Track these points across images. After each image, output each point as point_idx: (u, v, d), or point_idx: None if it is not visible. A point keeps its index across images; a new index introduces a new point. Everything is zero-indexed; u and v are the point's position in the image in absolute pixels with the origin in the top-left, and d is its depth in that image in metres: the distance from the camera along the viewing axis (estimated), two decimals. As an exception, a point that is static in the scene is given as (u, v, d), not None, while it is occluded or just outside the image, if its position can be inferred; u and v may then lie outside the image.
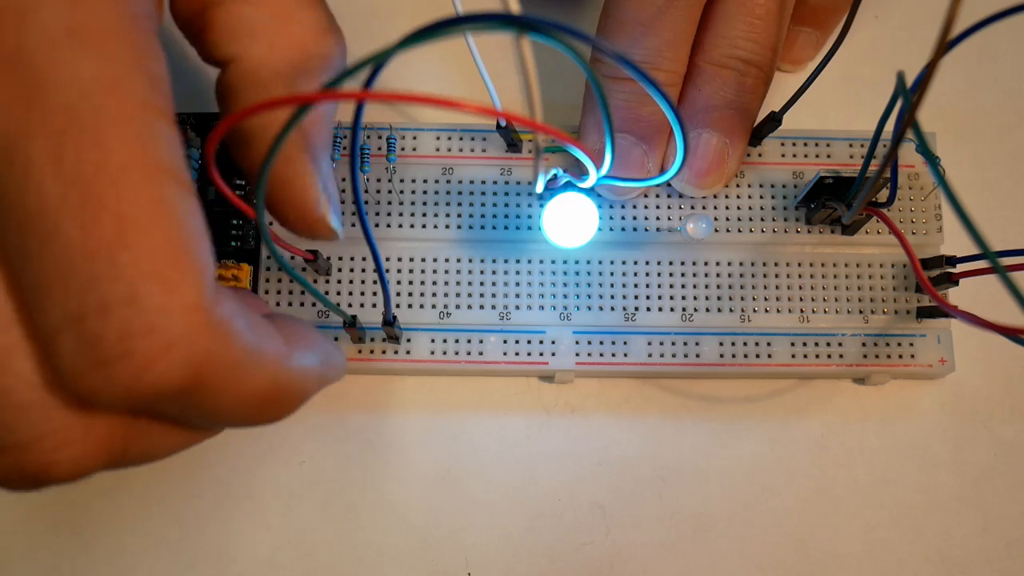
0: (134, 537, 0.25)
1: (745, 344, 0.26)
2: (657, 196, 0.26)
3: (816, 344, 0.26)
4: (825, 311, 0.26)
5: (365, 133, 0.26)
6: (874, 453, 0.26)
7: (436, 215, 0.26)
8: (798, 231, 0.26)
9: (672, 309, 0.26)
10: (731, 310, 0.26)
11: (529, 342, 0.25)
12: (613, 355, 0.25)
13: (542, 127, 0.16)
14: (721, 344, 0.26)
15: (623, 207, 0.26)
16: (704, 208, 0.26)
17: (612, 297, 0.26)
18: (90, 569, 0.25)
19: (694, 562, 0.25)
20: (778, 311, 0.26)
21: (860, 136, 0.27)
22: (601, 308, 0.26)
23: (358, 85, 0.16)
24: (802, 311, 0.26)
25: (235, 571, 0.25)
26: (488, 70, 0.24)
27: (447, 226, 0.26)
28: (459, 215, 0.26)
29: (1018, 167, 0.29)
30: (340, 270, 0.26)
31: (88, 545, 0.25)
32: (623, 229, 0.26)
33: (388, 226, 0.26)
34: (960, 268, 0.25)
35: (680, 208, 0.26)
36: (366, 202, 0.26)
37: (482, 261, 0.26)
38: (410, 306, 0.26)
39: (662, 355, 0.25)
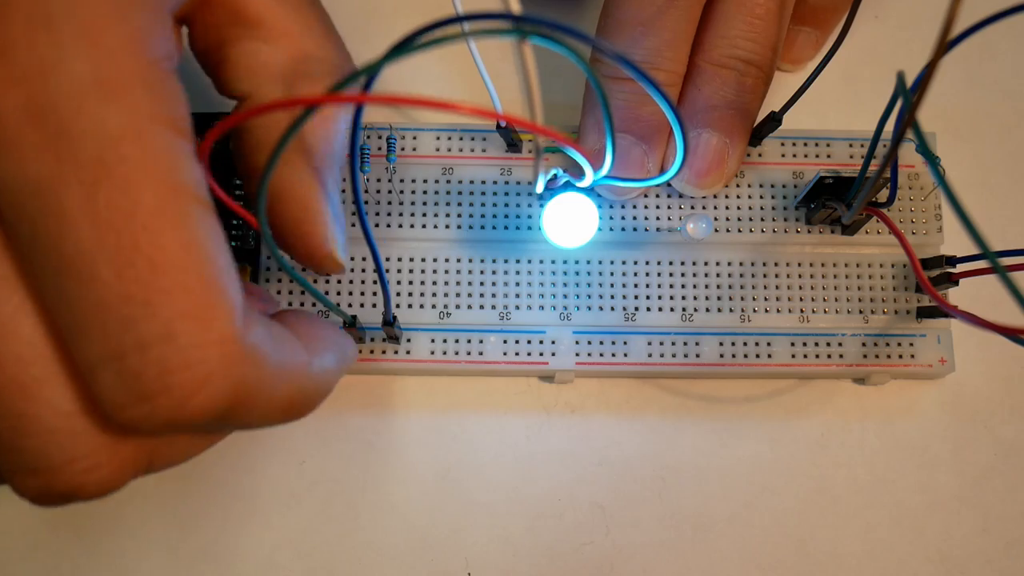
0: (134, 537, 0.25)
1: (745, 344, 0.26)
2: (657, 196, 0.26)
3: (816, 344, 0.26)
4: (825, 311, 0.26)
5: (365, 133, 0.26)
6: (874, 453, 0.26)
7: (436, 215, 0.26)
8: (798, 231, 0.26)
9: (672, 309, 0.26)
10: (731, 310, 0.26)
11: (529, 342, 0.25)
12: (613, 355, 0.25)
13: (539, 128, 0.16)
14: (721, 344, 0.26)
15: (623, 207, 0.26)
16: (704, 208, 0.26)
17: (612, 297, 0.26)
18: (90, 569, 0.25)
19: (694, 562, 0.25)
20: (778, 311, 0.26)
21: (860, 136, 0.27)
22: (601, 308, 0.26)
23: (358, 87, 0.16)
24: (802, 311, 0.26)
25: (235, 571, 0.25)
26: (488, 70, 0.24)
27: (447, 226, 0.26)
28: (459, 215, 0.26)
29: (1018, 167, 0.29)
30: (340, 270, 0.26)
31: (88, 545, 0.25)
32: (623, 229, 0.26)
33: (388, 226, 0.26)
34: (960, 268, 0.25)
35: (680, 208, 0.26)
36: (366, 202, 0.26)
37: (482, 261, 0.26)
38: (410, 306, 0.26)
39: (662, 355, 0.25)
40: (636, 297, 0.26)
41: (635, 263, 0.26)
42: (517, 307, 0.26)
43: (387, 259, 0.26)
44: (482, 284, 0.26)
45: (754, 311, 0.26)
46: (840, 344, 0.26)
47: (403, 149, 0.26)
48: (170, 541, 0.25)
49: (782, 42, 0.26)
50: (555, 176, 0.25)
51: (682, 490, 0.26)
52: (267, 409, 0.16)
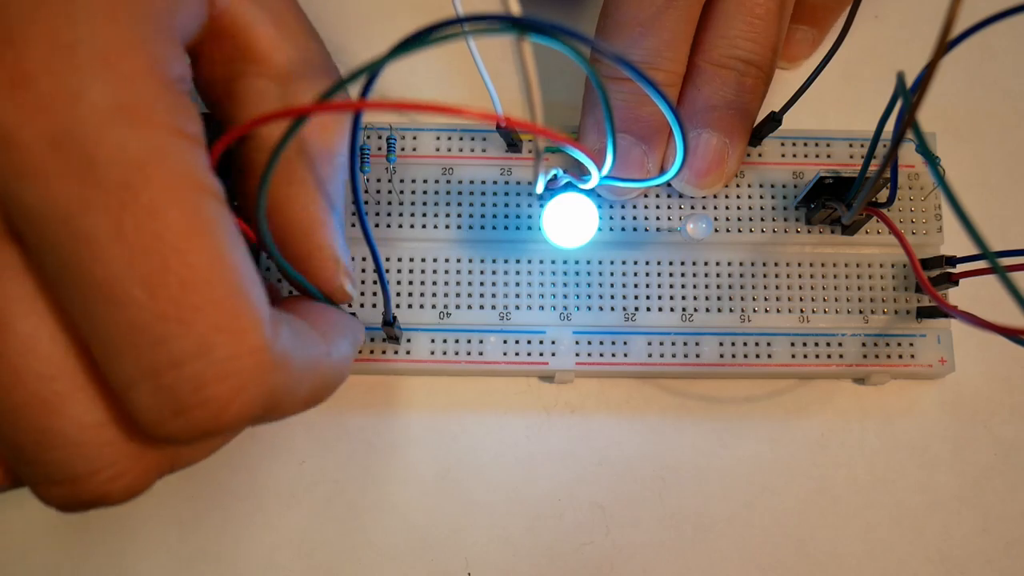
0: (134, 537, 0.25)
1: (745, 344, 0.26)
2: (657, 196, 0.26)
3: (816, 344, 0.26)
4: (825, 311, 0.26)
5: (365, 133, 0.26)
6: (874, 453, 0.26)
7: (436, 215, 0.26)
8: (798, 231, 0.26)
9: (672, 309, 0.26)
10: (731, 310, 0.26)
11: (529, 342, 0.25)
12: (613, 355, 0.25)
13: (542, 130, 0.16)
14: (721, 344, 0.26)
15: (623, 207, 0.26)
16: (704, 208, 0.26)
17: (612, 297, 0.26)
18: (91, 569, 0.25)
19: (694, 562, 0.25)
20: (778, 311, 0.26)
21: (860, 136, 0.27)
22: (601, 308, 0.26)
23: (357, 90, 0.16)
24: (802, 311, 0.26)
25: (235, 571, 0.25)
26: (488, 70, 0.24)
27: (447, 226, 0.26)
28: (459, 215, 0.26)
29: (1018, 167, 0.29)
30: (340, 270, 0.26)
31: (89, 545, 0.25)
32: (623, 229, 0.26)
33: (388, 226, 0.26)
34: (960, 268, 0.25)
35: (680, 208, 0.26)
36: (366, 202, 0.26)
37: (482, 261, 0.26)
38: (410, 306, 0.26)
39: (662, 355, 0.25)
40: (636, 297, 0.26)
41: (635, 263, 0.26)
42: (517, 307, 0.26)
43: (387, 259, 0.26)
44: (482, 284, 0.26)
45: (754, 311, 0.26)
46: (840, 344, 0.26)
47: (403, 149, 0.26)
48: (170, 541, 0.25)
49: (782, 42, 0.26)
50: (555, 176, 0.25)
51: (682, 490, 0.26)
52: (293, 405, 0.16)
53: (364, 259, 0.26)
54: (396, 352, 0.25)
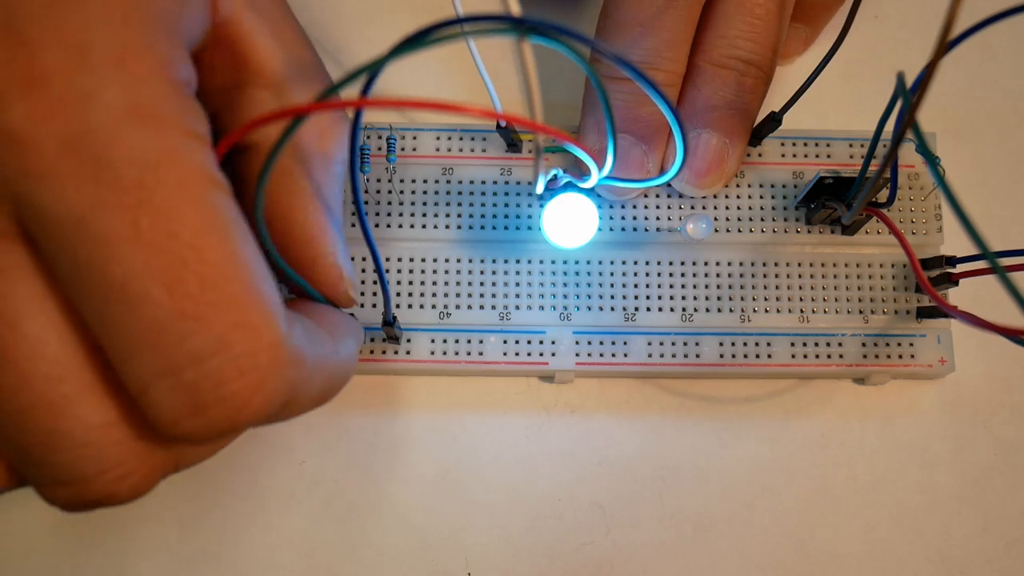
0: (135, 537, 0.25)
1: (745, 344, 0.26)
2: (657, 196, 0.26)
3: (816, 344, 0.26)
4: (825, 311, 0.26)
5: (365, 133, 0.26)
6: (874, 453, 0.26)
7: (436, 215, 0.26)
8: (798, 231, 0.26)
9: (672, 309, 0.26)
10: (731, 310, 0.26)
11: (529, 342, 0.25)
12: (613, 355, 0.25)
13: (543, 128, 0.16)
14: (721, 344, 0.26)
15: (623, 207, 0.26)
16: (704, 208, 0.26)
17: (612, 297, 0.26)
18: (91, 569, 0.25)
19: (694, 562, 0.25)
20: (778, 311, 0.26)
21: (860, 136, 0.27)
22: (601, 308, 0.26)
23: (357, 89, 0.16)
24: (802, 311, 0.26)
25: (235, 571, 0.25)
26: (488, 70, 0.24)
27: (447, 226, 0.26)
28: (459, 215, 0.26)
29: (1018, 167, 0.29)
30: (340, 270, 0.26)
31: (89, 545, 0.25)
32: (623, 229, 0.26)
33: (388, 226, 0.26)
34: (960, 268, 0.25)
35: (680, 208, 0.26)
36: (366, 202, 0.26)
37: (482, 261, 0.26)
38: (410, 306, 0.26)
39: (662, 355, 0.25)
40: (636, 297, 0.26)
41: (635, 263, 0.26)
42: (517, 307, 0.26)
43: (387, 259, 0.26)
44: (482, 284, 0.26)
45: (754, 311, 0.26)
46: (840, 344, 0.26)
47: (403, 149, 0.26)
48: (170, 541, 0.25)
49: (782, 42, 0.26)
50: (555, 176, 0.25)
51: (682, 490, 0.26)
52: (306, 402, 0.16)
53: (364, 259, 0.26)
54: (396, 352, 0.25)
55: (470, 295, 0.26)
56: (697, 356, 0.25)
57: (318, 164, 0.20)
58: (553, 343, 0.25)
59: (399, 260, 0.26)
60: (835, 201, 0.24)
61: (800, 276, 0.26)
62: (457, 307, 0.26)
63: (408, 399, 0.26)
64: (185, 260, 0.13)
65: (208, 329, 0.13)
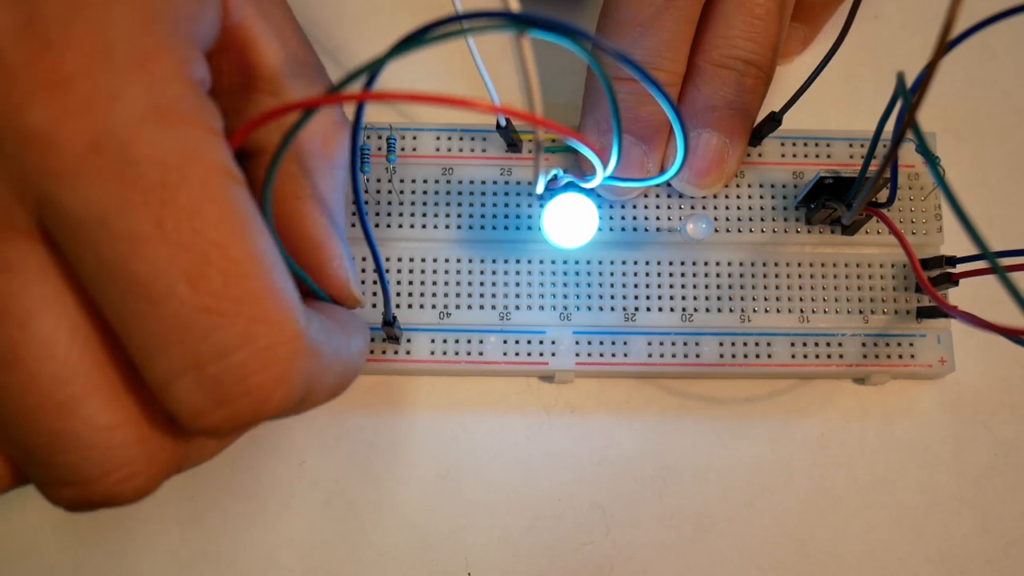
0: (135, 537, 0.25)
1: (745, 344, 0.26)
2: (657, 196, 0.26)
3: (816, 344, 0.26)
4: (825, 311, 0.26)
5: (365, 133, 0.26)
6: (874, 453, 0.26)
7: (436, 215, 0.26)
8: (798, 231, 0.26)
9: (672, 309, 0.26)
10: (731, 310, 0.26)
11: (529, 342, 0.25)
12: (613, 355, 0.25)
13: (545, 122, 0.16)
14: (721, 344, 0.26)
15: (623, 207, 0.26)
16: (704, 208, 0.26)
17: (612, 297, 0.26)
18: (91, 569, 0.25)
19: (694, 562, 0.25)
20: (778, 311, 0.26)
21: (860, 136, 0.27)
22: (601, 308, 0.26)
23: (359, 86, 0.16)
24: (802, 311, 0.26)
25: (235, 571, 0.25)
26: (488, 71, 0.24)
27: (447, 226, 0.26)
28: (459, 215, 0.26)
29: (1018, 167, 0.29)
30: (340, 270, 0.26)
31: (89, 546, 0.25)
32: (623, 229, 0.26)
33: (388, 226, 0.26)
34: (960, 268, 0.25)
35: (680, 208, 0.26)
36: (366, 202, 0.26)
37: (482, 261, 0.26)
38: (410, 306, 0.26)
39: (662, 355, 0.25)
40: (636, 297, 0.26)
41: (635, 263, 0.26)
42: (517, 307, 0.26)
43: (387, 259, 0.26)
44: (482, 284, 0.26)
45: (754, 311, 0.26)
46: (840, 344, 0.26)
47: (403, 149, 0.26)
48: (170, 541, 0.25)
49: (782, 42, 0.26)
50: (555, 176, 0.25)
51: (682, 490, 0.26)
52: (321, 395, 0.17)
53: (364, 259, 0.26)
54: (396, 352, 0.25)
55: (470, 295, 0.26)
56: (697, 356, 0.25)
57: (321, 170, 0.20)
58: (553, 343, 0.25)
59: (399, 260, 0.26)
60: (835, 201, 0.24)
61: (800, 276, 0.26)
62: (457, 307, 0.26)
63: (408, 399, 0.26)
64: (209, 257, 0.13)
65: (232, 324, 0.14)
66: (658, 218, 0.26)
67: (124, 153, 0.13)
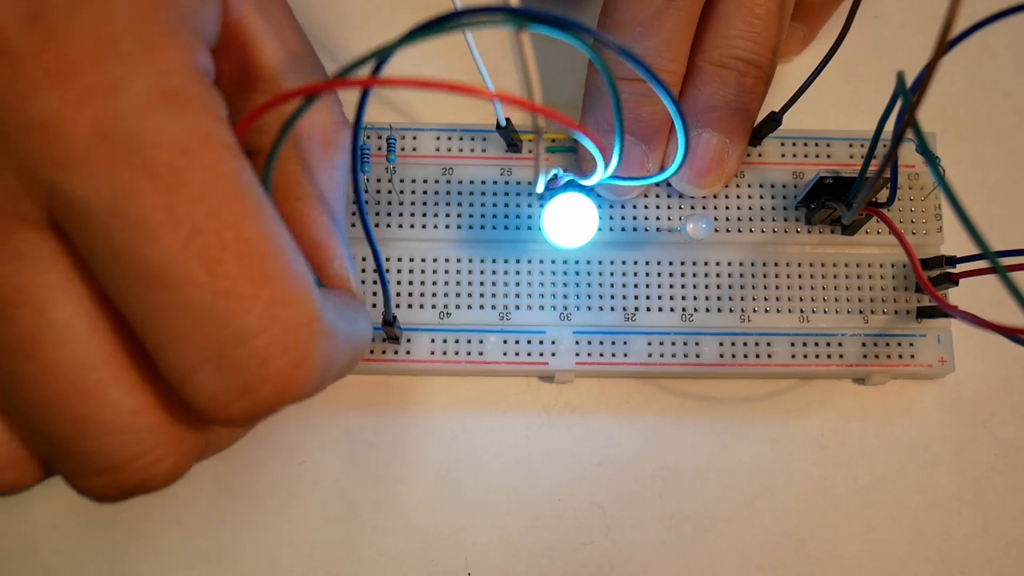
0: (135, 537, 0.25)
1: (745, 344, 0.26)
2: (657, 196, 0.26)
3: (816, 344, 0.26)
4: (825, 311, 0.26)
5: (365, 133, 0.26)
6: (874, 453, 0.26)
7: (436, 215, 0.26)
8: (798, 231, 0.26)
9: (672, 309, 0.26)
10: (731, 310, 0.26)
11: (529, 342, 0.25)
12: (613, 355, 0.25)
13: (548, 111, 0.16)
14: (721, 344, 0.26)
15: (623, 207, 0.26)
16: (704, 208, 0.26)
17: (612, 297, 0.26)
18: (91, 569, 0.25)
19: (694, 562, 0.25)
20: (778, 311, 0.26)
21: (860, 136, 0.27)
22: (601, 308, 0.26)
23: (363, 73, 0.16)
24: (802, 311, 0.26)
25: (235, 571, 0.25)
26: (488, 70, 0.24)
27: (447, 226, 0.26)
28: (459, 215, 0.26)
29: (1018, 167, 0.29)
30: (340, 270, 0.26)
31: (89, 546, 0.25)
32: (623, 229, 0.26)
33: (388, 226, 0.26)
34: (960, 268, 0.25)
35: (680, 208, 0.26)
36: (366, 202, 0.26)
37: (482, 261, 0.26)
38: (410, 306, 0.26)
39: (662, 355, 0.25)
40: (636, 297, 0.26)
41: (635, 263, 0.26)
42: (517, 307, 0.26)
43: (387, 259, 0.26)
44: (482, 284, 0.26)
45: (754, 311, 0.26)
46: (840, 344, 0.26)
47: (403, 149, 0.26)
48: (170, 541, 0.25)
49: (782, 42, 0.26)
50: (555, 176, 0.25)
51: (682, 490, 0.26)
52: (333, 376, 0.17)
53: (364, 259, 0.26)
54: (396, 352, 0.25)
55: (470, 295, 0.26)
56: (697, 356, 0.25)
57: (321, 170, 0.20)
58: (553, 343, 0.25)
59: (399, 260, 0.26)
60: (835, 201, 0.24)
61: (800, 276, 0.26)
62: (457, 307, 0.26)
63: (408, 399, 0.26)
64: (223, 239, 0.13)
65: (251, 308, 0.14)
66: (658, 218, 0.26)
67: (131, 140, 0.13)
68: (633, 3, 0.24)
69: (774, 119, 0.26)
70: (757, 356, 0.26)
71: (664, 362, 0.25)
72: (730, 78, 0.25)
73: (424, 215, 0.26)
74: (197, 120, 0.14)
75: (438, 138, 0.27)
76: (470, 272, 0.26)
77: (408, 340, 0.25)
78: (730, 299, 0.26)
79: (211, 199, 0.13)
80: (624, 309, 0.26)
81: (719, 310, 0.26)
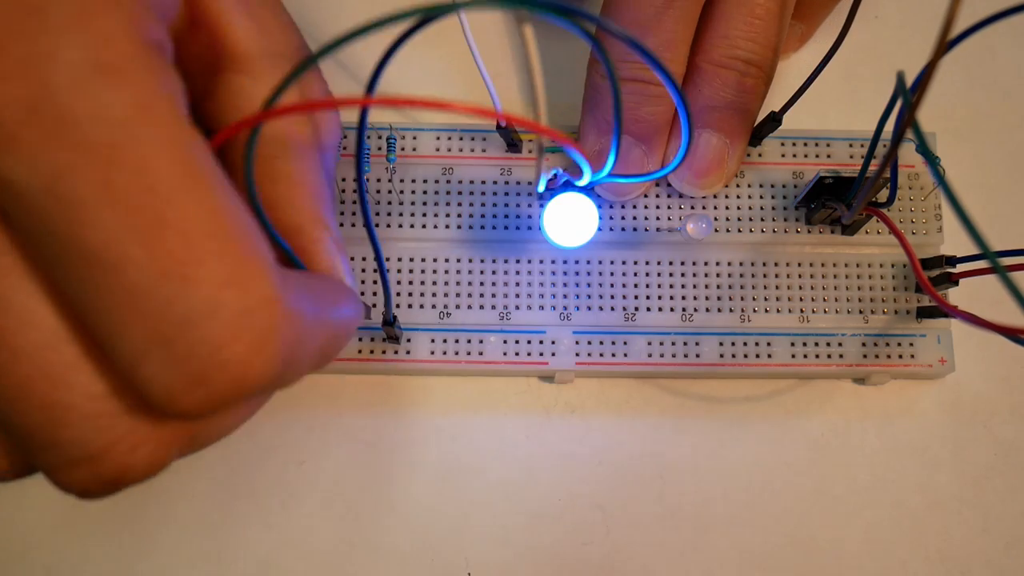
0: (134, 537, 0.25)
1: (745, 344, 0.26)
2: (657, 196, 0.26)
3: (816, 344, 0.26)
4: (825, 311, 0.26)
5: (365, 133, 0.26)
6: (874, 453, 0.26)
7: (436, 215, 0.26)
8: (798, 231, 0.26)
9: (672, 309, 0.26)
10: (731, 310, 0.26)
11: (529, 342, 0.25)
12: (613, 355, 0.25)
13: (539, 128, 0.16)
14: (721, 344, 0.26)
15: (623, 207, 0.26)
16: (704, 208, 0.26)
17: (612, 297, 0.26)
18: (91, 569, 0.25)
19: (694, 562, 0.25)
20: (778, 311, 0.26)
21: (860, 136, 0.27)
22: (601, 308, 0.26)
23: (361, 86, 0.16)
24: (802, 311, 0.26)
25: (235, 571, 0.25)
26: (488, 70, 0.24)
27: (447, 226, 0.26)
28: (459, 215, 0.26)
29: (1018, 167, 0.29)
30: (340, 270, 0.26)
31: (88, 545, 0.25)
32: (623, 229, 0.26)
33: (388, 226, 0.26)
34: (960, 268, 0.25)
35: (680, 208, 0.26)
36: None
37: (482, 261, 0.26)
38: (410, 306, 0.26)
39: (662, 355, 0.25)
40: (636, 297, 0.26)
41: (635, 263, 0.26)
42: (517, 307, 0.26)
43: (387, 259, 0.26)
44: (482, 284, 0.26)
45: (754, 311, 0.26)
46: (840, 344, 0.26)
47: (403, 149, 0.26)
48: (170, 541, 0.25)
49: (783, 42, 0.26)
50: (555, 175, 0.25)
51: (682, 490, 0.26)
52: (309, 362, 0.16)
53: (364, 259, 0.26)
54: (396, 352, 0.25)
55: (470, 295, 0.26)
56: (697, 356, 0.25)
57: (302, 148, 0.19)
58: (553, 343, 0.25)
59: (399, 260, 0.26)
60: (835, 201, 0.24)
61: (800, 276, 0.26)
62: (457, 307, 0.26)
63: (408, 399, 0.26)
64: (163, 216, 0.12)
65: (196, 290, 0.13)
66: (658, 218, 0.26)
67: (64, 114, 0.12)
68: (632, 3, 0.24)
69: (774, 119, 0.26)
70: (757, 356, 0.26)
71: (664, 362, 0.25)
72: (730, 78, 0.25)
73: (424, 215, 0.26)
74: (136, 92, 0.13)
75: (438, 138, 0.27)
76: (470, 272, 0.26)
77: (408, 340, 0.25)
78: (730, 299, 0.26)
79: (150, 173, 0.12)
80: (624, 309, 0.26)
81: (719, 310, 0.26)
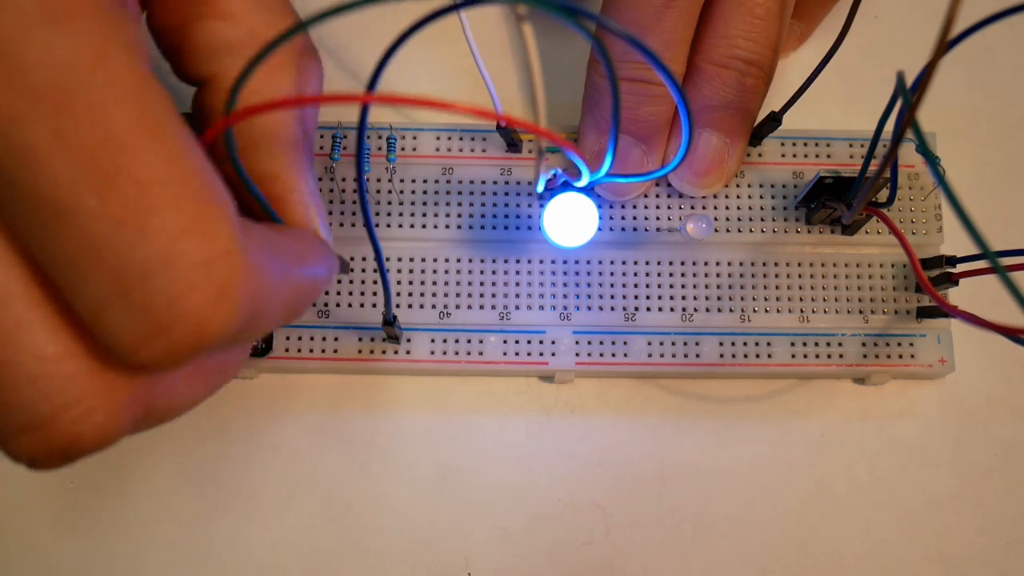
0: (134, 537, 0.25)
1: (745, 344, 0.26)
2: (657, 196, 0.26)
3: (816, 344, 0.26)
4: (825, 311, 0.26)
5: (365, 133, 0.26)
6: (874, 453, 0.26)
7: (436, 215, 0.26)
8: (798, 231, 0.26)
9: (672, 309, 0.26)
10: (731, 310, 0.26)
11: (529, 342, 0.25)
12: (613, 355, 0.25)
13: (537, 129, 0.16)
14: (721, 344, 0.26)
15: (623, 207, 0.26)
16: (704, 208, 0.26)
17: (612, 297, 0.26)
18: (90, 570, 0.25)
19: (694, 562, 0.25)
20: (778, 311, 0.26)
21: (860, 136, 0.27)
22: (601, 308, 0.26)
23: (362, 86, 0.16)
24: (802, 311, 0.26)
25: (235, 571, 0.25)
26: (489, 70, 0.24)
27: (447, 226, 0.26)
28: (459, 215, 0.26)
29: (1018, 167, 0.29)
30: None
31: (87, 545, 0.25)
32: (623, 229, 0.26)
33: (388, 226, 0.26)
34: (960, 268, 0.25)
35: (680, 208, 0.26)
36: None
37: (482, 261, 0.26)
38: (410, 306, 0.26)
39: (662, 355, 0.25)
40: (636, 297, 0.26)
41: (635, 263, 0.26)
42: (517, 307, 0.26)
43: (387, 259, 0.26)
44: (482, 284, 0.26)
45: (754, 311, 0.26)
46: (840, 344, 0.26)
47: (403, 149, 0.26)
48: (170, 541, 0.25)
49: (783, 42, 0.26)
50: (555, 176, 0.25)
51: (682, 490, 0.26)
52: (274, 316, 0.15)
53: (364, 259, 0.26)
54: (396, 352, 0.25)
55: (470, 295, 0.26)
56: (697, 356, 0.25)
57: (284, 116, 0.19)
58: (553, 343, 0.25)
59: (399, 260, 0.26)
60: (835, 201, 0.24)
61: (800, 276, 0.26)
62: (457, 307, 0.26)
63: (408, 399, 0.26)
64: (116, 163, 0.12)
65: (152, 239, 0.12)
66: (658, 218, 0.26)
67: (12, 60, 0.12)
68: (632, 3, 0.24)
69: (774, 119, 0.26)
70: (757, 356, 0.26)
71: (664, 362, 0.25)
72: (730, 78, 0.25)
73: (424, 215, 0.26)
74: (89, 39, 0.12)
75: (438, 138, 0.27)
76: (470, 272, 0.26)
77: (408, 340, 0.25)
78: (730, 299, 0.26)
79: (103, 120, 0.12)
80: (624, 309, 0.26)
81: (719, 310, 0.26)
